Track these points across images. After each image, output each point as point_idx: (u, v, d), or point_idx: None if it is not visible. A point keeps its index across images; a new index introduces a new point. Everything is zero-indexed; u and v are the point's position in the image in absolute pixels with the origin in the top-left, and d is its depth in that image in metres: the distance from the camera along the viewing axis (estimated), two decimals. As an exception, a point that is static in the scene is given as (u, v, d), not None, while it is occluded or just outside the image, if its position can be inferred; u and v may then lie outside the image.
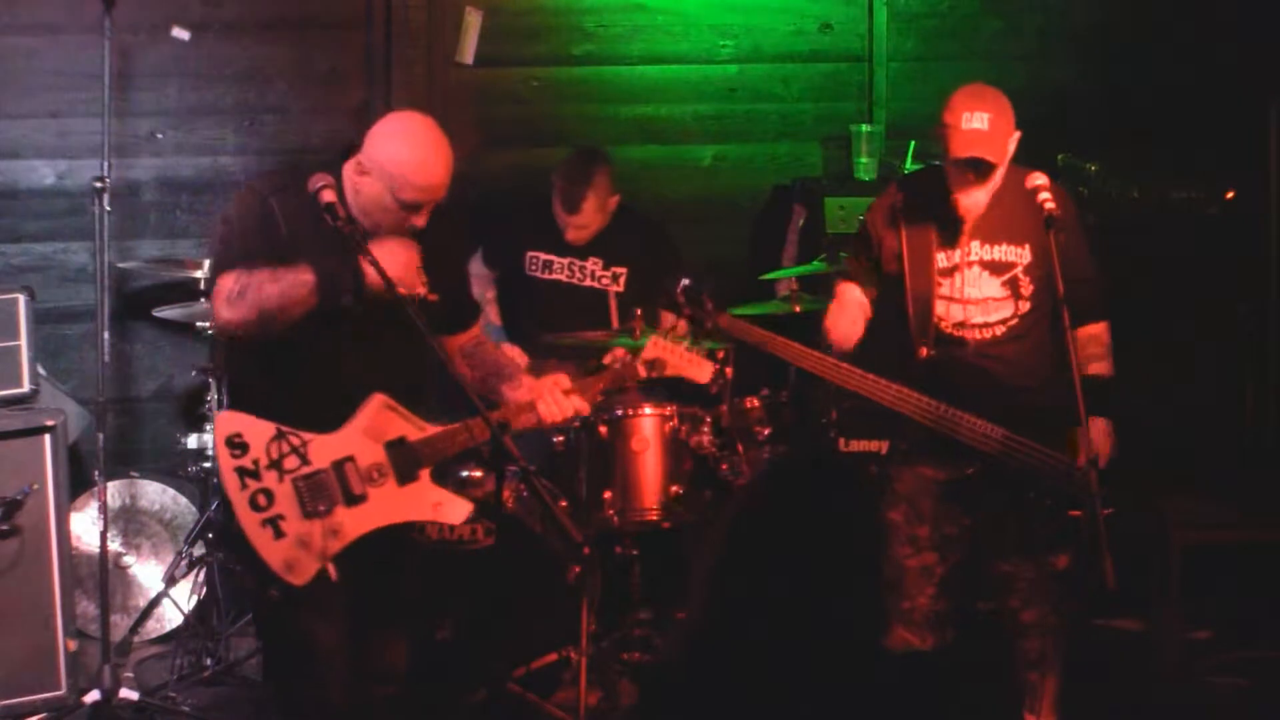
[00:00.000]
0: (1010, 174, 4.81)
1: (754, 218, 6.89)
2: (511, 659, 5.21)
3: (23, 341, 5.48)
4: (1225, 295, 6.61)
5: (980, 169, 4.73)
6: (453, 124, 6.61)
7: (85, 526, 5.87)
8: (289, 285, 4.20)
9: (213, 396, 5.80)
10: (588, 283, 6.17)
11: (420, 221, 4.38)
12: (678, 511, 5.50)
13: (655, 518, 5.51)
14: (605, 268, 6.19)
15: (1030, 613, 4.94)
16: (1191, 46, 6.81)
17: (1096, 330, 4.95)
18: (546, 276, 6.21)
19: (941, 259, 4.87)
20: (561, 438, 5.59)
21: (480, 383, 4.61)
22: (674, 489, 5.50)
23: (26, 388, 5.49)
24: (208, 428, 5.81)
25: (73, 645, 5.40)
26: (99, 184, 5.63)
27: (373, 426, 4.35)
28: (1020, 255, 4.85)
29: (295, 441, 4.26)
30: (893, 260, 4.92)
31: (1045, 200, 4.73)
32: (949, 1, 6.94)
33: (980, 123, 4.71)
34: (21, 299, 5.49)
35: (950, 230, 4.86)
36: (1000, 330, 4.88)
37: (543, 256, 6.21)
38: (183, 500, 6.14)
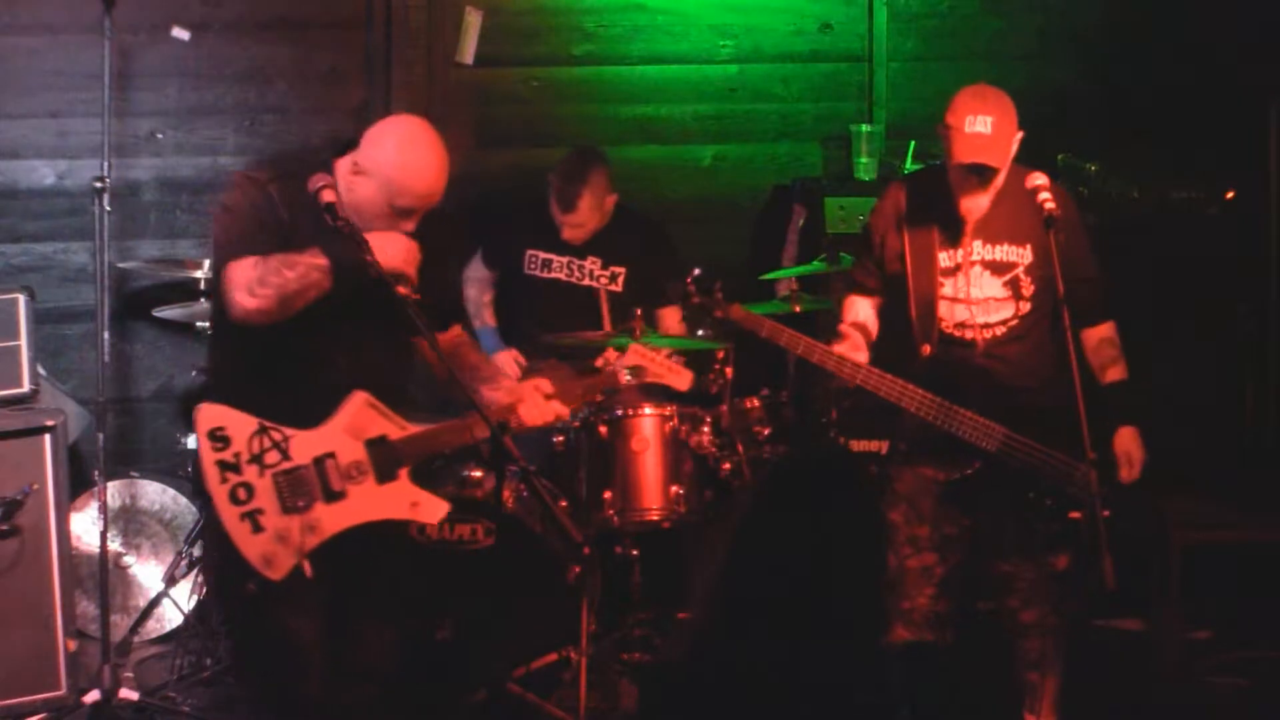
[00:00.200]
0: (1012, 174, 4.81)
1: (754, 218, 6.89)
2: (511, 659, 5.20)
3: (23, 341, 5.48)
4: (1225, 295, 6.61)
5: (983, 174, 4.74)
6: (453, 124, 6.68)
7: (85, 526, 5.87)
8: (306, 269, 4.23)
9: (213, 396, 5.80)
10: (586, 282, 6.17)
11: (410, 226, 4.40)
12: (678, 511, 5.50)
13: (655, 518, 5.51)
14: (604, 267, 6.19)
15: (1030, 613, 4.94)
16: (1191, 46, 6.81)
17: (1106, 332, 4.96)
18: (545, 275, 6.21)
19: (944, 259, 4.87)
20: (561, 438, 5.59)
21: (454, 383, 4.62)
22: (674, 489, 5.51)
23: (26, 388, 5.48)
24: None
25: (73, 645, 5.40)
26: (99, 184, 5.63)
27: (354, 424, 4.37)
28: (1022, 255, 4.86)
29: (277, 436, 4.28)
30: (895, 260, 4.92)
31: (1045, 200, 4.73)
32: (949, 1, 6.94)
33: (983, 126, 4.70)
34: (21, 299, 5.49)
35: (952, 230, 4.86)
36: (1001, 330, 4.89)
37: (542, 255, 6.22)
38: (183, 500, 6.14)
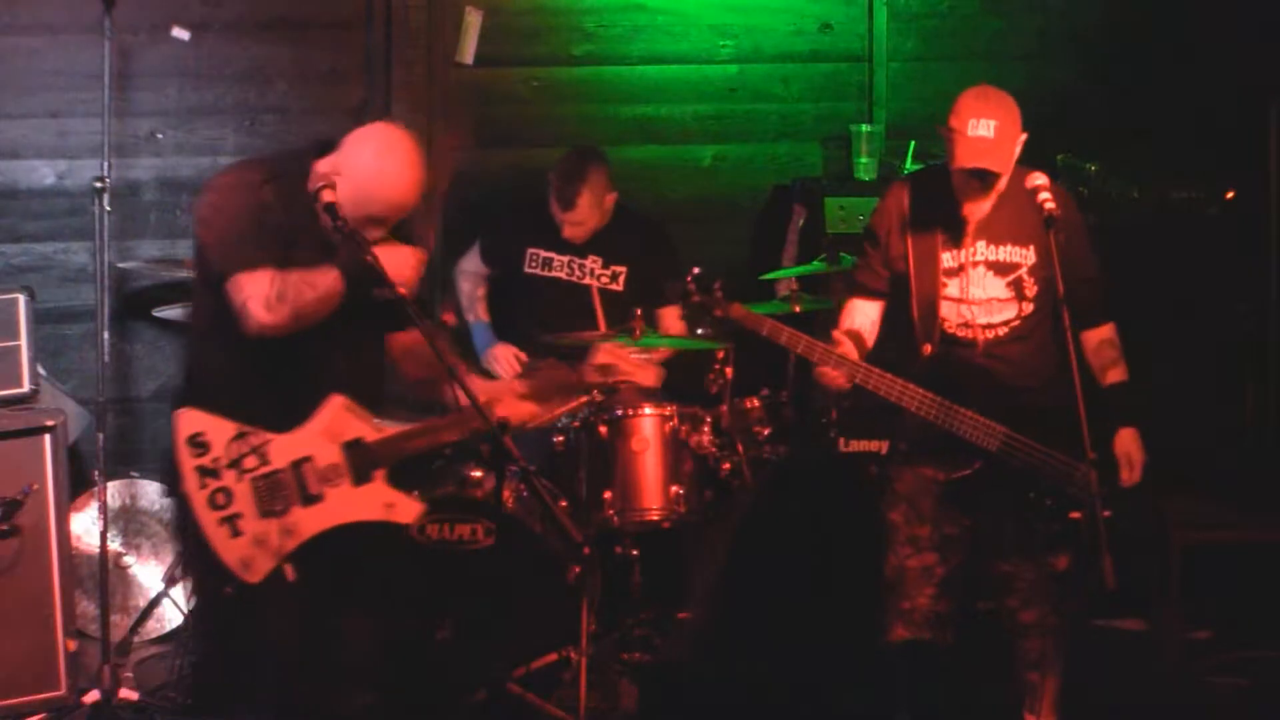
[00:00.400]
0: (1014, 174, 4.81)
1: (754, 218, 6.89)
2: (511, 659, 5.20)
3: (23, 341, 5.48)
4: (1225, 295, 6.61)
5: (985, 179, 4.73)
6: (453, 124, 6.68)
7: (85, 526, 5.87)
8: (326, 288, 4.28)
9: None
10: (587, 281, 6.17)
11: (379, 234, 4.45)
12: (678, 511, 5.50)
13: (655, 518, 5.51)
14: (605, 266, 6.19)
15: (1030, 613, 4.94)
16: (1191, 46, 6.81)
17: (1106, 334, 4.96)
18: (546, 274, 6.21)
19: (947, 259, 4.87)
20: (561, 438, 5.59)
21: (423, 383, 4.67)
22: (674, 489, 5.51)
23: (26, 388, 5.48)
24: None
25: (73, 645, 5.40)
26: (99, 184, 5.63)
27: (331, 427, 4.41)
28: (1025, 256, 4.85)
29: (256, 441, 4.32)
30: (899, 260, 4.92)
31: (1045, 200, 4.73)
32: (949, 1, 6.94)
33: (986, 130, 4.69)
34: (21, 299, 5.49)
35: (955, 230, 4.86)
36: (1003, 331, 4.89)
37: (543, 254, 6.22)
38: (183, 500, 6.14)
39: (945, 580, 4.90)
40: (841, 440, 6.09)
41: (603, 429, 5.50)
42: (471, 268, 6.36)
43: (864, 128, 6.68)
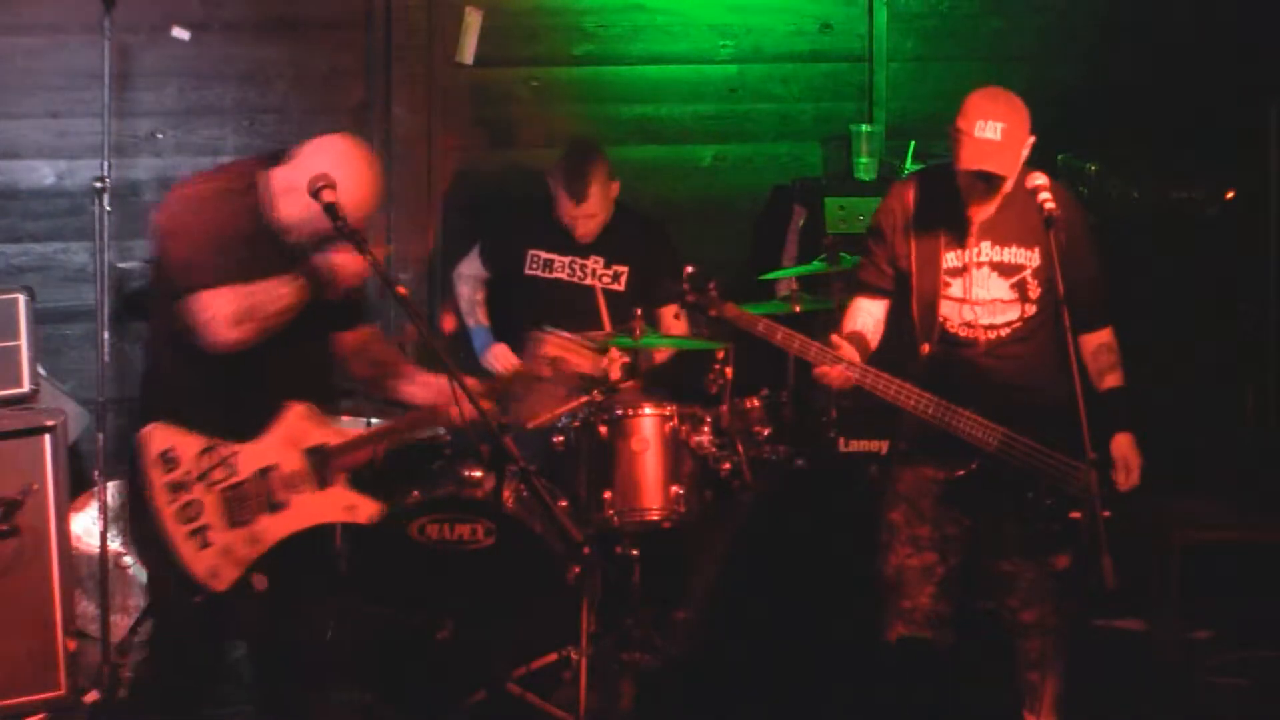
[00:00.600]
0: (1020, 176, 4.80)
1: (754, 218, 6.89)
2: (511, 659, 5.20)
3: (23, 341, 5.48)
4: (1225, 295, 6.61)
5: (990, 181, 4.73)
6: (453, 124, 6.68)
7: (85, 526, 5.86)
8: (288, 300, 4.32)
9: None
10: (588, 281, 6.16)
11: (335, 246, 4.48)
12: (678, 511, 5.50)
13: (655, 518, 5.51)
14: (607, 266, 6.19)
15: (1030, 613, 4.94)
16: (1191, 46, 6.81)
17: (1105, 338, 4.94)
18: (547, 275, 6.21)
19: (951, 258, 4.86)
20: (561, 438, 5.59)
21: (373, 381, 4.73)
22: (674, 489, 5.50)
23: (26, 388, 5.48)
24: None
25: (73, 645, 5.40)
26: (99, 184, 5.63)
27: (293, 434, 4.48)
28: (1029, 258, 4.84)
29: (224, 453, 4.39)
30: (902, 259, 4.91)
31: (1045, 200, 4.72)
32: (949, 1, 6.94)
33: (993, 133, 4.68)
34: (21, 299, 5.49)
35: (960, 231, 4.85)
36: (1005, 332, 4.88)
37: (544, 255, 6.22)
38: (183, 500, 6.14)
39: (945, 580, 4.90)
40: (841, 440, 6.09)
41: (603, 429, 5.50)
42: (471, 271, 6.35)
43: (864, 128, 6.68)
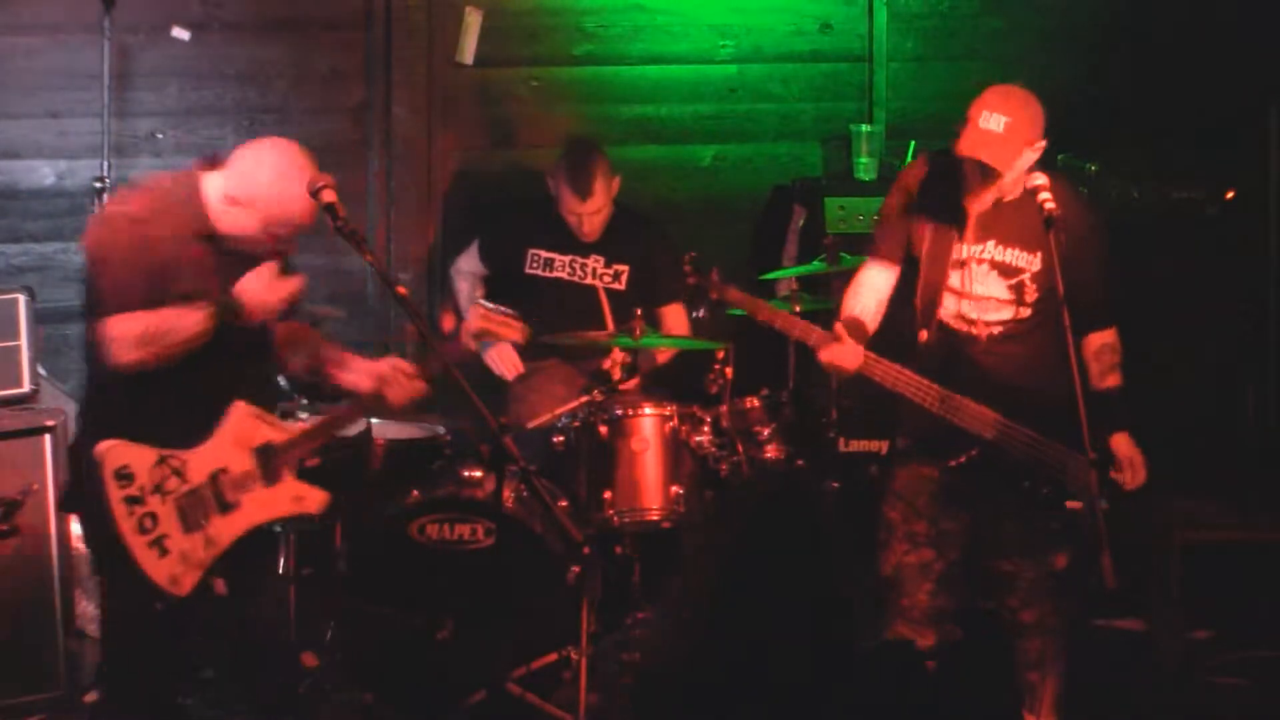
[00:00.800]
0: (1027, 179, 4.79)
1: (754, 218, 6.89)
2: (511, 659, 5.20)
3: (23, 341, 5.48)
4: (1225, 295, 6.61)
5: (986, 172, 4.72)
6: (452, 124, 6.68)
7: (85, 526, 5.86)
8: (192, 330, 4.35)
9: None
10: (589, 280, 6.17)
11: (291, 250, 4.56)
12: (678, 511, 5.50)
13: (655, 518, 5.51)
14: (607, 265, 6.19)
15: (1029, 612, 4.94)
16: (1191, 46, 6.81)
17: (1108, 338, 4.92)
18: (548, 275, 6.21)
19: (959, 250, 4.85)
20: (561, 438, 5.59)
21: (308, 369, 4.77)
22: (674, 489, 5.50)
23: (26, 388, 5.48)
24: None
25: (73, 646, 5.41)
26: (99, 184, 5.64)
27: (240, 435, 4.52)
28: (1030, 262, 4.83)
29: (175, 463, 4.42)
30: (917, 243, 4.90)
31: (1045, 200, 4.72)
32: (949, 1, 6.94)
33: (995, 125, 4.68)
34: (21, 299, 5.49)
35: (959, 222, 4.84)
36: (998, 330, 4.88)
37: (544, 254, 6.22)
38: (183, 500, 6.13)
39: (943, 576, 4.90)
40: (841, 440, 6.09)
41: (603, 429, 5.50)
42: (469, 267, 6.35)
43: (864, 128, 6.68)
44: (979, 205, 4.81)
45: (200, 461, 4.45)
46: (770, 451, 5.70)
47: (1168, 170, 6.67)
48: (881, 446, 6.11)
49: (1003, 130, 4.67)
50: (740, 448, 5.62)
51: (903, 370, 4.78)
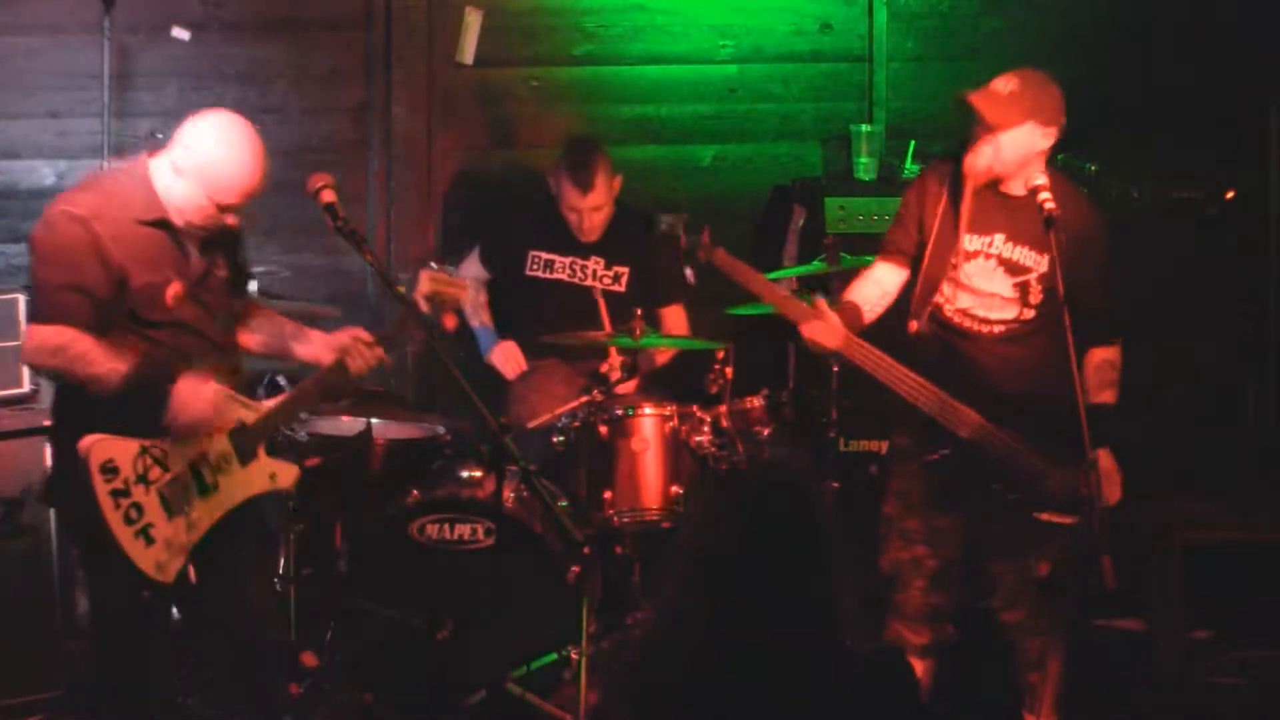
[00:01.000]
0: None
1: (754, 218, 6.89)
2: (511, 659, 5.20)
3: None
4: (1225, 295, 6.61)
5: (974, 119, 4.71)
6: (452, 124, 6.68)
7: (85, 526, 5.86)
8: (106, 370, 4.33)
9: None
10: (589, 282, 6.16)
11: (233, 221, 4.52)
12: (678, 511, 5.50)
13: (655, 518, 5.51)
14: (607, 267, 6.19)
15: (1011, 614, 4.93)
16: (1191, 46, 6.81)
17: (1111, 355, 4.89)
18: (548, 276, 6.21)
19: (968, 241, 4.83)
20: (561, 438, 5.59)
21: (267, 345, 4.79)
22: (674, 489, 5.50)
23: (26, 388, 5.49)
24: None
25: (74, 646, 5.41)
26: (99, 184, 5.60)
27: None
28: (1038, 263, 4.81)
29: (156, 453, 4.42)
30: (928, 232, 4.90)
31: (1045, 200, 4.71)
32: (949, 1, 6.94)
33: (1004, 87, 4.72)
34: (21, 299, 5.49)
35: (979, 219, 4.83)
36: (999, 329, 4.87)
37: (544, 256, 6.21)
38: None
39: (938, 574, 4.90)
40: (841, 440, 6.09)
41: (603, 429, 5.50)
42: (471, 273, 6.35)
43: (864, 128, 6.68)
44: (975, 170, 4.77)
45: (180, 448, 4.46)
46: (770, 452, 5.70)
47: (1168, 170, 6.67)
48: (881, 446, 6.11)
49: (1007, 92, 4.71)
50: (740, 448, 5.62)
51: (885, 358, 4.77)
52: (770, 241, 6.73)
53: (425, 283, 4.78)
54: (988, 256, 4.84)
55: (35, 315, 4.45)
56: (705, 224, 6.62)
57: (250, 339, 4.77)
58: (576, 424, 5.55)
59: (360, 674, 5.26)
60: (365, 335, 4.68)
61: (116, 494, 4.34)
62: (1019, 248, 4.83)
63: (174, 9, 6.37)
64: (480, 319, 6.34)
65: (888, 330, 4.98)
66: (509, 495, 5.29)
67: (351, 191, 6.42)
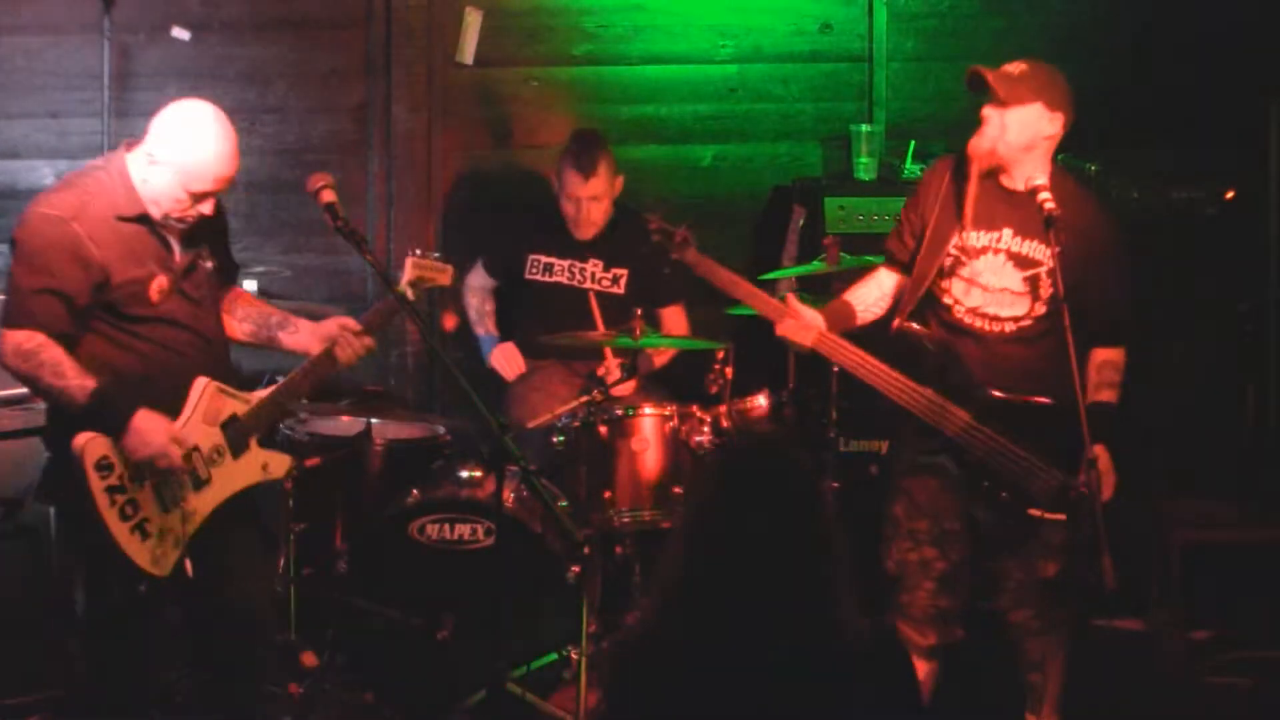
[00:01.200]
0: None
1: (754, 218, 6.89)
2: (511, 659, 5.20)
3: (23, 341, 5.47)
4: (1225, 295, 6.60)
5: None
6: (452, 124, 6.68)
7: (85, 526, 5.86)
8: (74, 386, 4.35)
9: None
10: (587, 284, 6.16)
11: (208, 209, 4.53)
12: (678, 511, 5.49)
13: (655, 518, 5.51)
14: (606, 269, 6.19)
15: (1018, 614, 4.92)
16: (1191, 46, 6.81)
17: (1114, 357, 4.87)
18: (547, 279, 6.20)
19: (975, 237, 4.82)
20: (561, 438, 5.59)
21: (255, 335, 4.80)
22: (674, 489, 5.50)
23: (27, 388, 5.48)
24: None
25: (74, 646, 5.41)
26: (99, 184, 5.60)
27: (209, 411, 4.56)
28: (1048, 257, 4.79)
29: None
30: (924, 231, 4.89)
31: (1045, 200, 4.71)
32: (949, 1, 6.94)
33: (1014, 68, 4.75)
34: (14, 300, 5.49)
35: (984, 214, 4.82)
36: (1010, 328, 4.83)
37: (544, 259, 6.21)
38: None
39: (945, 576, 4.88)
40: (841, 440, 6.09)
41: (603, 429, 5.50)
42: (478, 283, 6.35)
43: (864, 128, 6.68)
44: (979, 151, 4.76)
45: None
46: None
47: (1168, 170, 6.67)
48: (881, 446, 6.11)
49: (1016, 72, 4.73)
50: (740, 448, 5.62)
51: (866, 357, 4.76)
52: (770, 241, 6.73)
53: (410, 269, 4.82)
54: (996, 251, 4.83)
55: (6, 318, 4.44)
56: (706, 225, 6.64)
57: (237, 328, 4.79)
58: (576, 424, 5.55)
59: (360, 674, 5.26)
60: (353, 324, 4.70)
61: (112, 490, 4.36)
62: (1028, 241, 4.81)
63: (174, 9, 6.37)
64: (485, 327, 6.33)
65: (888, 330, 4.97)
66: (509, 495, 5.29)
67: (351, 191, 6.43)
